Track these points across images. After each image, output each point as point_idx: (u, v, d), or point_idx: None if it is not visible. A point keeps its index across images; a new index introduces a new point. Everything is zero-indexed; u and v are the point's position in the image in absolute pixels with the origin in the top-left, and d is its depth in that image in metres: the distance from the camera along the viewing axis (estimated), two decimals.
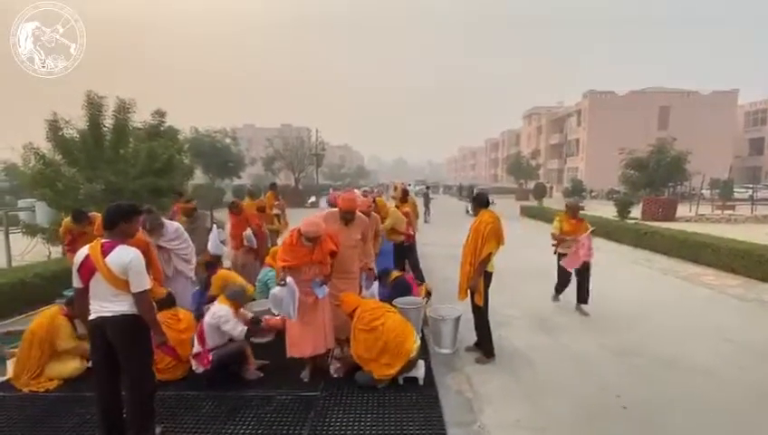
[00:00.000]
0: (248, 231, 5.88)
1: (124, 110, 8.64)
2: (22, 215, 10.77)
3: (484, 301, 3.95)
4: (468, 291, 3.96)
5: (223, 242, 5.41)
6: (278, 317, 3.86)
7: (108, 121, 8.56)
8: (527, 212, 20.29)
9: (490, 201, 4.30)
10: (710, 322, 5.24)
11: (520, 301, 5.95)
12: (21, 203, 12.15)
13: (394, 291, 4.68)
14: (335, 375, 3.63)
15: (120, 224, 2.51)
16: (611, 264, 8.51)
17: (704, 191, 21.27)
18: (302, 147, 38.16)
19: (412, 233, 6.58)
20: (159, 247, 4.22)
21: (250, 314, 3.97)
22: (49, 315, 3.65)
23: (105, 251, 2.42)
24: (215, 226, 5.37)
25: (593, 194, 34.68)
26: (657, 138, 21.53)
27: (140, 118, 9.13)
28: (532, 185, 34.37)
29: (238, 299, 3.73)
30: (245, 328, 3.60)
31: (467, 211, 14.40)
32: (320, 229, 3.43)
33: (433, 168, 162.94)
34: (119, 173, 8.13)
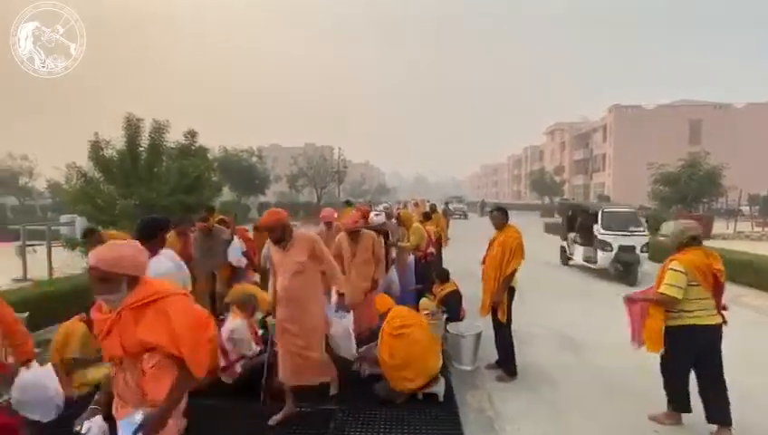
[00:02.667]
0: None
1: (159, 131, 9.20)
2: (63, 229, 11.42)
3: (508, 317, 3.89)
4: (491, 307, 3.91)
5: (244, 254, 5.22)
6: None
7: (144, 142, 9.13)
8: (552, 229, 19.83)
9: None
10: (751, 344, 4.93)
11: (544, 319, 5.80)
12: (62, 218, 12.92)
13: (444, 305, 4.67)
14: (364, 374, 3.71)
15: (158, 234, 2.71)
16: (643, 282, 8.14)
17: (742, 207, 20.24)
18: (325, 164, 39.01)
19: (431, 251, 6.59)
20: None
21: (260, 331, 3.95)
22: (67, 323, 3.74)
23: None
24: (235, 237, 5.16)
25: None
26: (688, 152, 20.76)
27: (173, 137, 9.67)
28: (557, 201, 33.67)
29: (246, 305, 3.69)
30: (258, 349, 3.63)
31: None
32: (107, 258, 1.63)
33: (455, 184, 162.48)
34: (152, 190, 8.60)
